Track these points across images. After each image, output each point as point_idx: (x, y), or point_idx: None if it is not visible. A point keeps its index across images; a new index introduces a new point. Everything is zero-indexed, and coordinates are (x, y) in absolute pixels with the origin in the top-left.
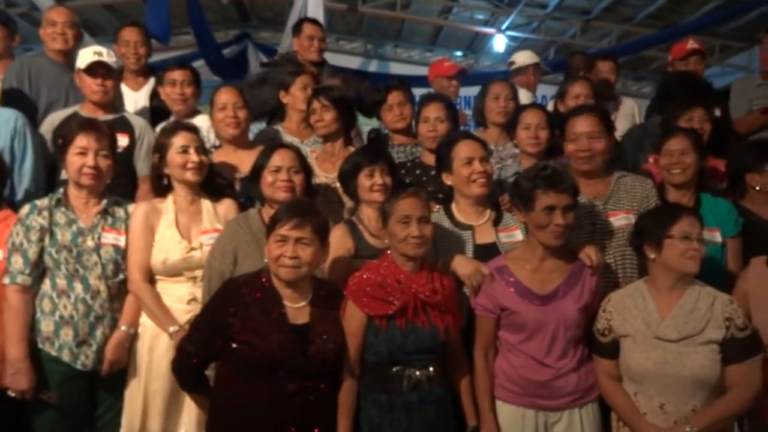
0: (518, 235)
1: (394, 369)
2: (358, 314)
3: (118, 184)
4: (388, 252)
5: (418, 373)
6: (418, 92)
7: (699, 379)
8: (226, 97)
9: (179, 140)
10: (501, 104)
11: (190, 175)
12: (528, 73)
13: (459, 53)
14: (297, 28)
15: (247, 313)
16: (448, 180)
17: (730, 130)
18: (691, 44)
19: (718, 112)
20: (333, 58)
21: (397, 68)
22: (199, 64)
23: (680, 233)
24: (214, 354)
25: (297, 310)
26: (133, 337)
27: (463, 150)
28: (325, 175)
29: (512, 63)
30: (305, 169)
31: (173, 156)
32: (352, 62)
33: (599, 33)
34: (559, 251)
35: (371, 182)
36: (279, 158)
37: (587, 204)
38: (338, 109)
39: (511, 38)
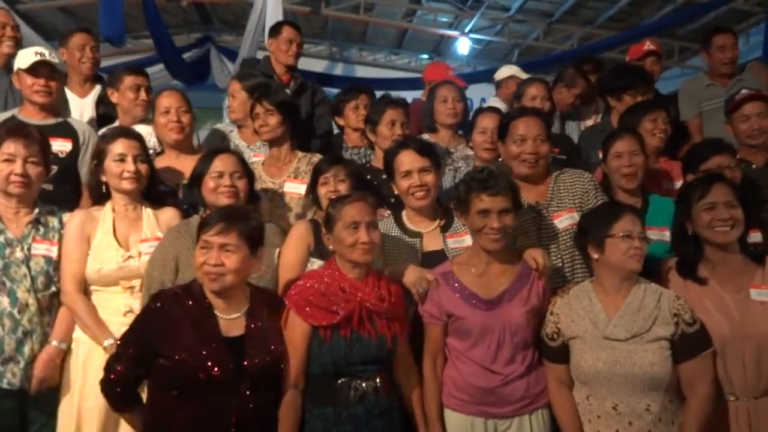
0: (467, 240)
1: (340, 381)
2: (301, 324)
3: (62, 192)
4: (333, 259)
5: (364, 384)
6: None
7: (650, 378)
8: (168, 100)
9: (117, 147)
10: (449, 106)
11: (126, 185)
12: (505, 86)
13: (424, 56)
14: (275, 30)
15: (177, 327)
16: (395, 190)
17: (681, 132)
18: (648, 45)
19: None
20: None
21: (362, 71)
22: (159, 68)
23: (621, 232)
24: (144, 371)
25: (231, 321)
26: (66, 352)
27: (401, 162)
28: (272, 180)
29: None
30: (248, 173)
31: (110, 164)
32: (317, 65)
33: (562, 35)
34: (506, 255)
35: (326, 189)
36: (221, 163)
37: (530, 208)
38: (283, 113)
39: (475, 41)
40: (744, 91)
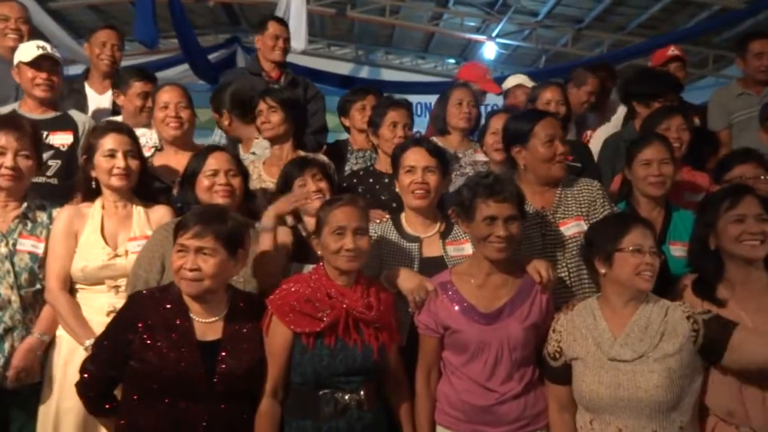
0: (468, 248)
1: (321, 392)
2: (283, 331)
3: (67, 186)
4: (321, 263)
5: (347, 397)
6: (409, 99)
7: (656, 401)
8: (168, 95)
9: (107, 143)
10: (465, 110)
11: (115, 181)
12: (512, 95)
13: (451, 60)
14: (261, 27)
15: (151, 330)
16: (398, 187)
17: (709, 142)
18: (672, 51)
19: (696, 122)
20: (324, 64)
21: (388, 75)
22: (185, 67)
23: (631, 246)
24: (117, 374)
25: (207, 325)
26: (48, 350)
27: (408, 158)
28: (272, 180)
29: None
30: (242, 171)
31: (99, 159)
32: (343, 68)
33: (591, 42)
34: (508, 266)
35: (305, 190)
36: (215, 161)
37: (536, 215)
38: (286, 110)
39: (503, 46)
40: None
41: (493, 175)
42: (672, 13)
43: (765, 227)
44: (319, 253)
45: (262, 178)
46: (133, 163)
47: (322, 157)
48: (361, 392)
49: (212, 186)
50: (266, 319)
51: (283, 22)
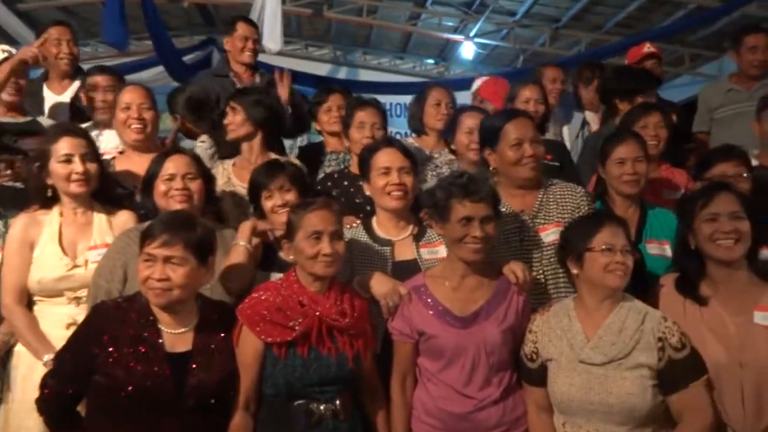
0: (442, 251)
1: (295, 404)
2: (254, 341)
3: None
4: (292, 270)
5: (322, 407)
6: (387, 99)
7: (627, 408)
8: (130, 96)
9: (62, 147)
10: (443, 111)
11: (75, 188)
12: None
13: (430, 61)
14: (230, 28)
15: (116, 342)
16: (367, 190)
17: (688, 139)
18: (648, 48)
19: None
20: (302, 65)
21: (366, 75)
22: (160, 70)
23: (601, 245)
24: (80, 389)
25: (177, 336)
26: (6, 365)
27: (381, 159)
28: (242, 185)
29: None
30: (204, 175)
31: (55, 166)
32: (321, 69)
33: (569, 41)
34: (483, 268)
35: (272, 204)
36: (172, 165)
37: (515, 217)
38: (248, 111)
39: (481, 46)
40: None
41: (467, 175)
42: (648, 12)
43: (739, 225)
44: (290, 258)
45: (232, 181)
46: (92, 167)
47: (294, 161)
48: (337, 402)
49: (168, 191)
50: (237, 330)
51: (252, 23)
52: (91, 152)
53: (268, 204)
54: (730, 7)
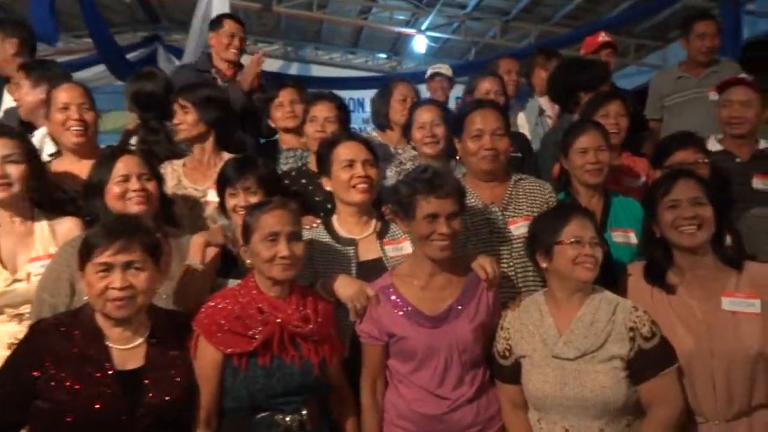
0: (407, 246)
1: (259, 416)
2: (212, 353)
3: None
4: (251, 275)
5: (287, 418)
6: (342, 95)
7: (602, 401)
8: (68, 95)
9: None
10: (409, 107)
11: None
12: (431, 85)
13: (382, 55)
14: (216, 24)
15: (59, 363)
16: (327, 185)
17: (643, 127)
18: (603, 37)
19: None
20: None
21: (318, 71)
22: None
23: (569, 238)
24: (20, 416)
25: (128, 352)
26: None
27: (343, 152)
28: (194, 186)
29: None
30: (156, 175)
31: None
32: (272, 65)
33: (519, 33)
34: (451, 264)
35: (235, 203)
36: (124, 165)
37: (484, 209)
38: (201, 110)
39: (433, 39)
40: (743, 75)
41: (431, 170)
42: (595, 4)
43: (700, 211)
44: (247, 262)
45: (183, 183)
46: (15, 169)
47: (263, 163)
48: (303, 412)
49: (125, 193)
50: (194, 341)
51: (239, 21)
52: (17, 153)
53: (230, 202)
54: None
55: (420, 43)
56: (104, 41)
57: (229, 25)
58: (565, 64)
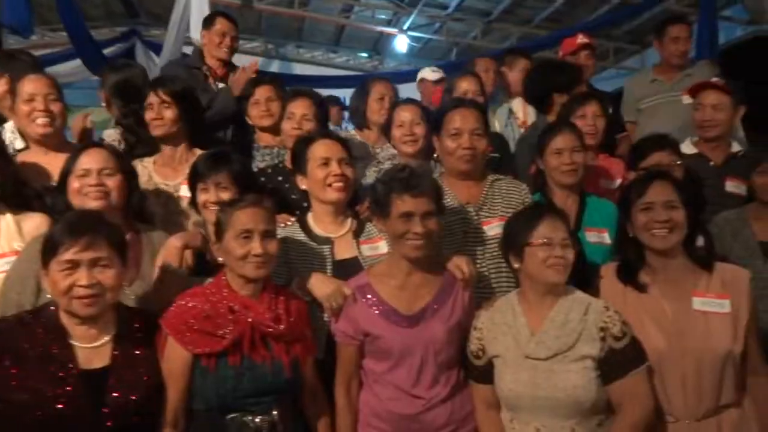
0: (383, 246)
1: (228, 417)
2: (181, 353)
3: None
4: (222, 273)
5: (258, 419)
6: (322, 93)
7: (574, 401)
8: (34, 85)
9: None
10: (386, 105)
11: None
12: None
13: (364, 54)
14: (208, 22)
15: (21, 363)
16: (302, 183)
17: (620, 129)
18: (581, 39)
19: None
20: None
21: (300, 69)
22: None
23: (540, 239)
24: None
25: (93, 350)
26: None
27: (319, 149)
28: (165, 182)
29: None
30: (125, 171)
31: None
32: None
33: (500, 35)
34: (428, 264)
35: (205, 198)
36: (87, 160)
37: (460, 208)
38: (181, 105)
39: (414, 39)
40: (715, 79)
41: (408, 169)
42: (575, 7)
43: (673, 214)
44: (219, 260)
45: (154, 180)
46: None
47: (237, 159)
48: (274, 412)
49: (82, 188)
50: (162, 340)
51: (231, 19)
52: None
53: (201, 197)
54: (651, 2)
55: (401, 43)
56: (80, 35)
57: (221, 24)
58: (539, 66)
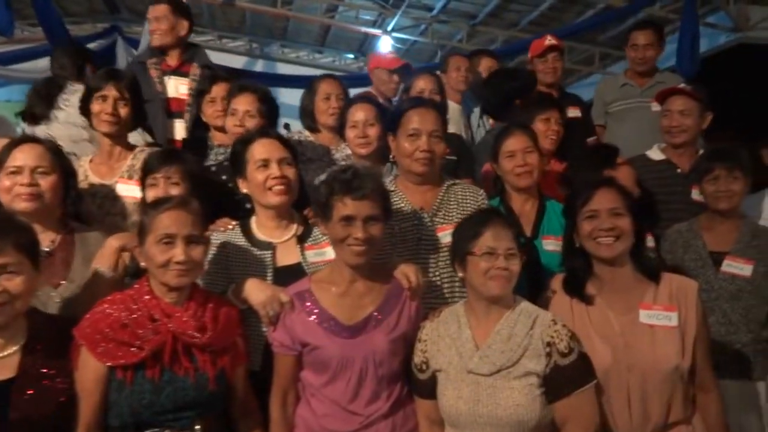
0: (330, 252)
1: None
2: (94, 365)
3: None
4: (145, 278)
5: None
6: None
7: (516, 421)
8: None
9: None
10: (333, 105)
11: None
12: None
13: (349, 55)
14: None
15: None
16: (243, 186)
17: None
18: (549, 40)
19: (578, 113)
20: (216, 57)
21: (284, 69)
22: None
23: (482, 249)
24: None
25: None
26: None
27: (257, 150)
28: (102, 181)
29: None
30: (62, 169)
31: None
32: (236, 62)
33: (485, 37)
34: (373, 271)
35: (154, 193)
36: (21, 156)
37: (413, 214)
38: (134, 102)
39: (399, 41)
40: (682, 85)
41: (352, 170)
42: (560, 11)
43: (618, 222)
44: (142, 265)
45: (89, 179)
46: None
47: (191, 157)
48: (196, 428)
49: (13, 187)
50: (76, 350)
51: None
52: None
53: (149, 192)
54: (635, 7)
55: (386, 45)
56: (55, 30)
57: (155, 11)
58: (493, 74)
